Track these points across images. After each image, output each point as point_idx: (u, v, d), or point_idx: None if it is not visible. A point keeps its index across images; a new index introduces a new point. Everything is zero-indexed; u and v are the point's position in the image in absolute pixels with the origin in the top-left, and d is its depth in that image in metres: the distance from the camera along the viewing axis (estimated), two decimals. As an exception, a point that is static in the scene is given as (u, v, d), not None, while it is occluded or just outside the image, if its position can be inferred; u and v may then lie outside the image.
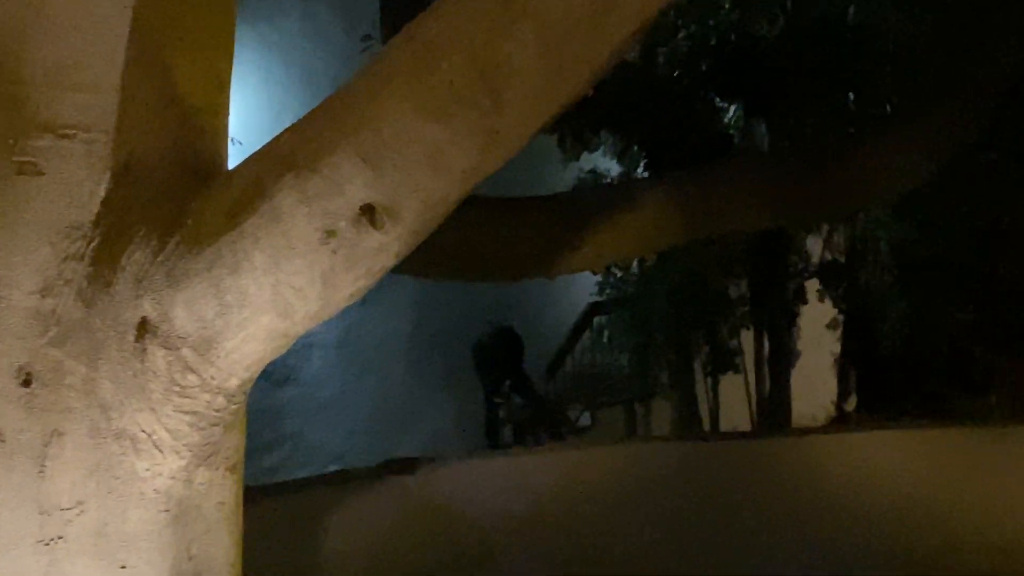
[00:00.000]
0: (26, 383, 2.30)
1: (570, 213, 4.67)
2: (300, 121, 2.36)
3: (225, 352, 2.34)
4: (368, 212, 2.25)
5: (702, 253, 10.45)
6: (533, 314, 13.62)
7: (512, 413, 12.54)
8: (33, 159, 2.29)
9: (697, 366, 11.74)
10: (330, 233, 2.26)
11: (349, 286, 2.34)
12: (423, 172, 2.24)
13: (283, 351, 2.42)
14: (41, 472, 2.31)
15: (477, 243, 4.46)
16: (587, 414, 12.94)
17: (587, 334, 12.96)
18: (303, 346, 12.82)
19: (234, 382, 2.39)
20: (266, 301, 2.30)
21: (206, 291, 2.30)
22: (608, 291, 12.03)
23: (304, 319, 2.36)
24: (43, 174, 2.30)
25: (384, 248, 2.30)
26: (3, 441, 2.29)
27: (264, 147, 2.37)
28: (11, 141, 2.29)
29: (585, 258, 4.71)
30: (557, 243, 4.55)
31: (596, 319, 12.60)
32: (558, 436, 12.11)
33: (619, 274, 11.81)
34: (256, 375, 2.43)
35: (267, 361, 2.41)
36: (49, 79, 2.31)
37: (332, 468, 11.37)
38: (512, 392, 12.25)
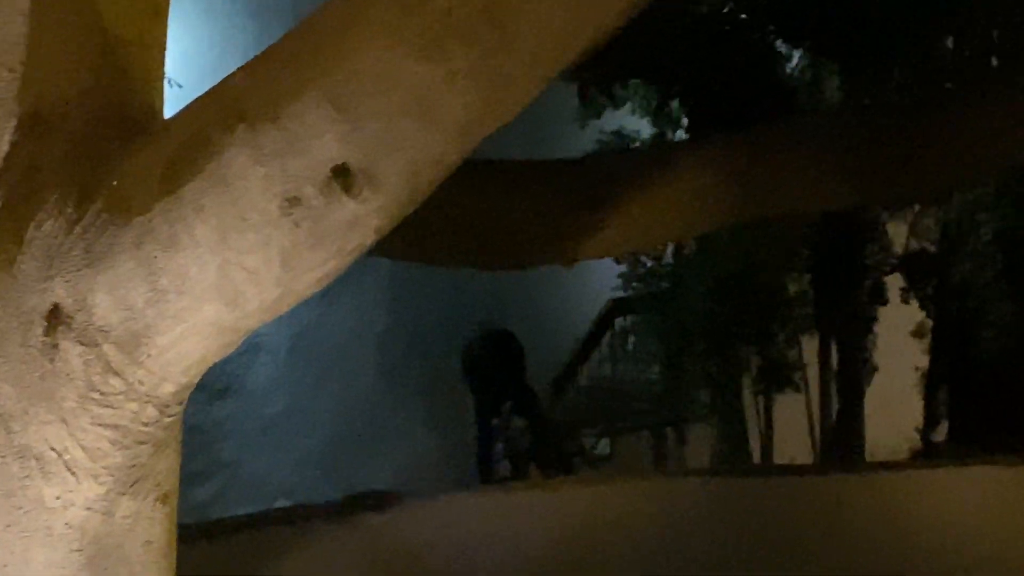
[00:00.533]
0: (-99, 385, 2.32)
1: (591, 183, 4.66)
2: (255, 60, 2.36)
3: (157, 350, 2.34)
4: (340, 175, 2.25)
5: (754, 239, 10.48)
6: (538, 314, 13.62)
7: (510, 438, 12.52)
8: (-82, 104, 2.31)
9: (746, 383, 11.77)
10: (292, 201, 2.26)
11: (315, 269, 2.34)
12: (410, 124, 2.24)
13: (231, 350, 2.43)
14: (-81, 500, 2.33)
15: (475, 219, 4.46)
16: (605, 441, 12.95)
17: (606, 340, 12.99)
18: (246, 348, 12.78)
19: (168, 388, 2.40)
20: (210, 286, 2.31)
21: (134, 272, 2.30)
22: (635, 286, 12.05)
23: (258, 310, 2.36)
24: (-72, 123, 2.31)
25: (360, 221, 2.30)
26: None
27: (209, 91, 2.38)
28: None
29: (609, 241, 4.71)
30: (574, 221, 4.55)
31: (618, 321, 12.64)
32: (568, 468, 12.10)
33: (649, 264, 11.83)
34: (196, 380, 2.44)
35: (210, 363, 2.42)
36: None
37: (279, 504, 11.39)
38: (511, 412, 12.22)
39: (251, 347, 13.01)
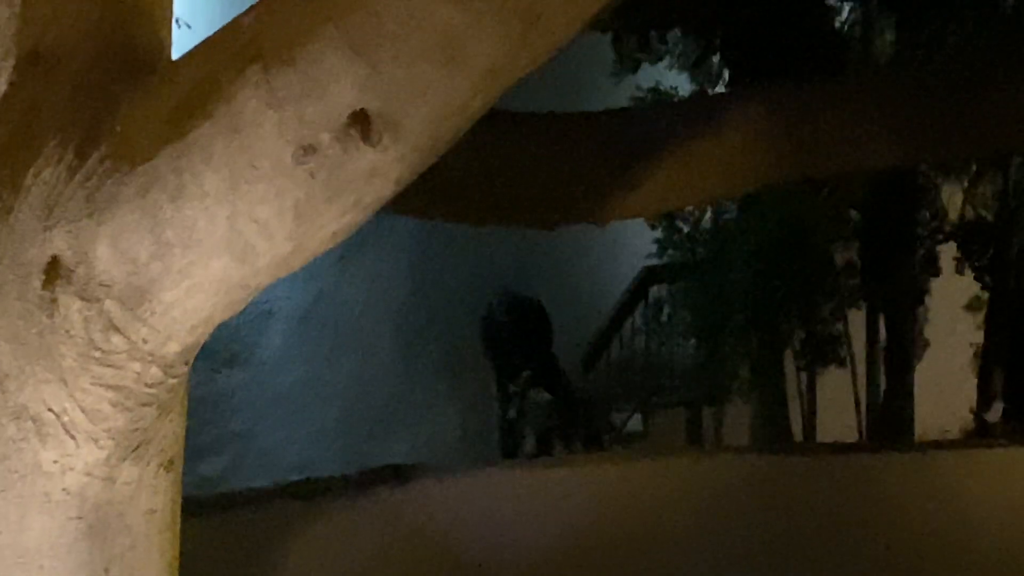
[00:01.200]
0: None
1: (628, 136, 4.64)
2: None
3: (162, 307, 2.34)
4: (360, 121, 2.24)
5: (798, 204, 10.43)
6: (566, 283, 13.60)
7: (535, 413, 12.51)
8: None
9: (788, 357, 11.74)
10: (307, 149, 2.25)
11: (332, 222, 2.33)
12: (435, 68, 2.22)
13: (239, 308, 2.43)
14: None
15: (502, 173, 4.44)
16: (637, 418, 12.94)
17: (639, 311, 12.95)
18: (258, 315, 12.84)
19: (173, 347, 2.39)
20: (219, 239, 2.30)
21: (139, 223, 2.30)
22: (670, 253, 11.98)
23: (269, 266, 2.35)
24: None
25: (380, 171, 2.28)
26: None
27: (220, 31, 2.37)
28: None
29: (646, 198, 4.69)
30: (609, 177, 4.53)
31: (652, 290, 12.60)
32: (596, 445, 12.06)
33: (686, 229, 11.78)
34: (203, 340, 2.44)
35: (218, 322, 2.42)
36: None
37: (293, 479, 11.40)
38: (536, 385, 12.21)
39: (263, 314, 13.04)
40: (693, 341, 12.19)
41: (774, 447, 10.38)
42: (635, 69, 10.60)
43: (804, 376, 11.69)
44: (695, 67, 10.71)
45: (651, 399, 12.89)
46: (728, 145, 4.67)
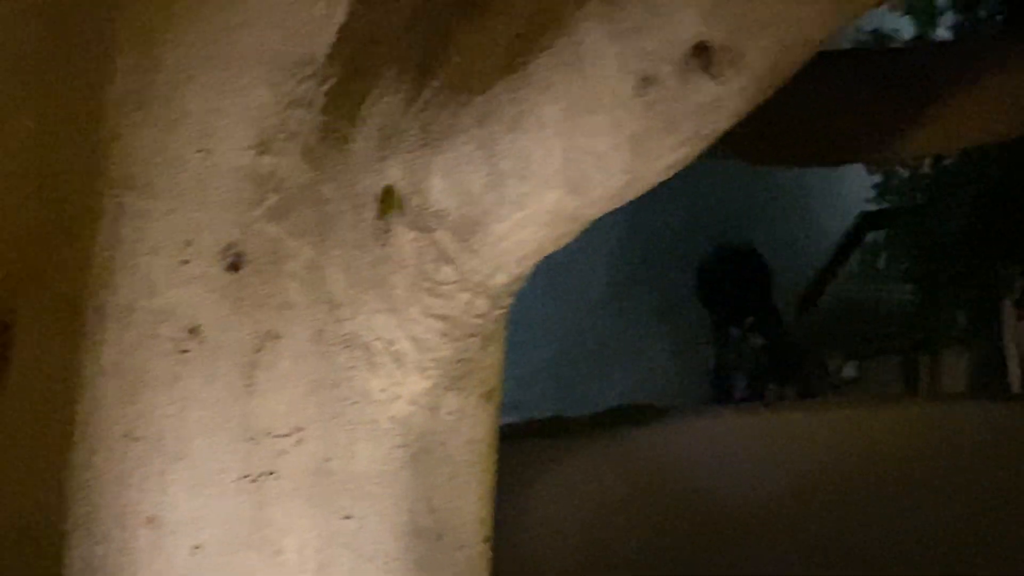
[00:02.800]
0: (234, 267, 2.34)
1: (912, 74, 4.57)
2: None
3: (493, 238, 2.34)
4: (702, 53, 2.22)
5: (1022, 147, 10.21)
6: (781, 228, 13.48)
7: (748, 358, 12.47)
8: (252, -27, 2.32)
9: (1007, 306, 11.56)
10: (647, 80, 2.24)
11: (667, 154, 2.32)
12: (778, 1, 2.20)
13: (567, 240, 2.42)
14: (249, 385, 2.36)
15: (789, 111, 4.40)
16: (853, 364, 12.81)
17: (855, 257, 12.79)
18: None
19: (501, 279, 2.40)
20: (555, 171, 2.30)
21: (474, 154, 2.30)
22: (888, 198, 11.81)
23: (602, 198, 2.35)
24: (259, -11, 2.33)
25: (719, 103, 2.26)
26: (202, 341, 2.34)
27: None
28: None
29: (935, 135, 4.62)
30: (894, 115, 4.47)
31: (869, 236, 12.43)
32: (809, 391, 12.00)
33: (905, 174, 11.59)
34: (529, 272, 2.44)
35: (545, 253, 2.42)
36: None
37: (505, 419, 11.46)
38: (753, 330, 12.16)
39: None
40: (909, 288, 12.01)
41: (992, 394, 10.25)
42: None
43: (1023, 325, 11.49)
44: (920, 11, 10.49)
45: (866, 346, 12.74)
46: (999, 89, 4.57)
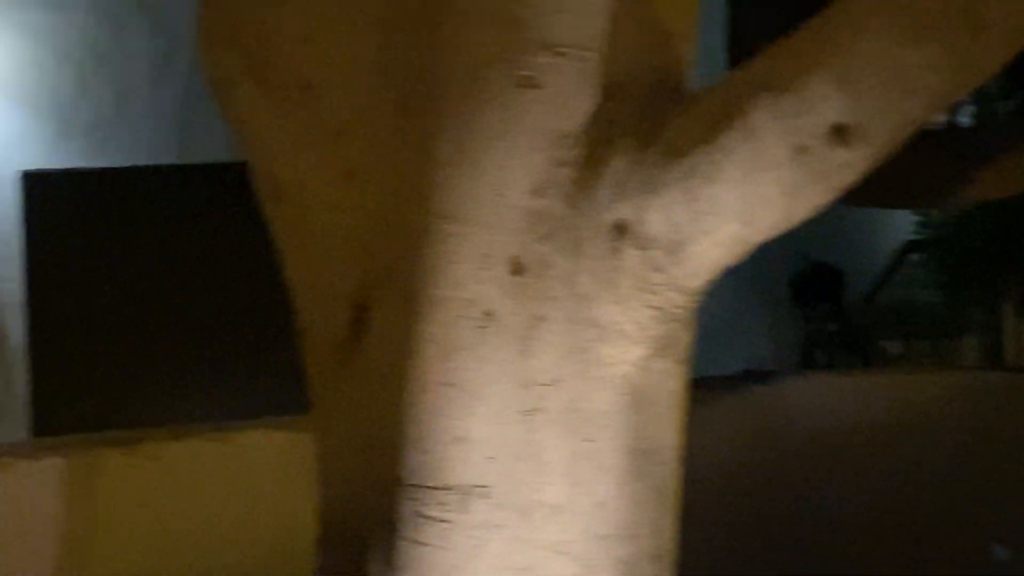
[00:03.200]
0: (517, 272, 2.38)
1: (968, 148, 4.49)
2: (774, 48, 2.34)
3: (692, 255, 2.35)
4: (838, 131, 2.22)
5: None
6: (852, 247, 13.27)
7: (825, 338, 12.37)
8: (531, 73, 2.35)
9: (1007, 306, 11.35)
10: (800, 149, 2.24)
11: (812, 200, 2.32)
12: (895, 95, 2.19)
13: (742, 257, 2.42)
14: (523, 351, 2.39)
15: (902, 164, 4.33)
16: (898, 344, 12.62)
17: (902, 270, 12.62)
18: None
19: (697, 283, 2.41)
20: (734, 210, 2.31)
21: (680, 198, 2.31)
22: (926, 231, 11.71)
23: (765, 228, 2.35)
24: (539, 87, 2.35)
25: (850, 164, 2.26)
26: (494, 320, 2.38)
27: (738, 72, 2.37)
28: (512, 57, 2.35)
29: (972, 192, 4.53)
30: (954, 175, 4.39)
31: (913, 256, 12.24)
32: (868, 362, 11.94)
33: (938, 214, 11.47)
34: (715, 276, 2.44)
35: (727, 265, 2.42)
36: (546, 2, 2.35)
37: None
38: (829, 319, 12.11)
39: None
40: (939, 292, 11.86)
41: (994, 368, 10.08)
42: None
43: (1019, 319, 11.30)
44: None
45: (908, 332, 12.55)
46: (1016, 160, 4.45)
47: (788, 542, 5.54)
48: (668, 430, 2.55)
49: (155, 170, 10.88)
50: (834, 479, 5.82)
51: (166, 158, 11.03)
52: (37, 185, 10.53)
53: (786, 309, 12.68)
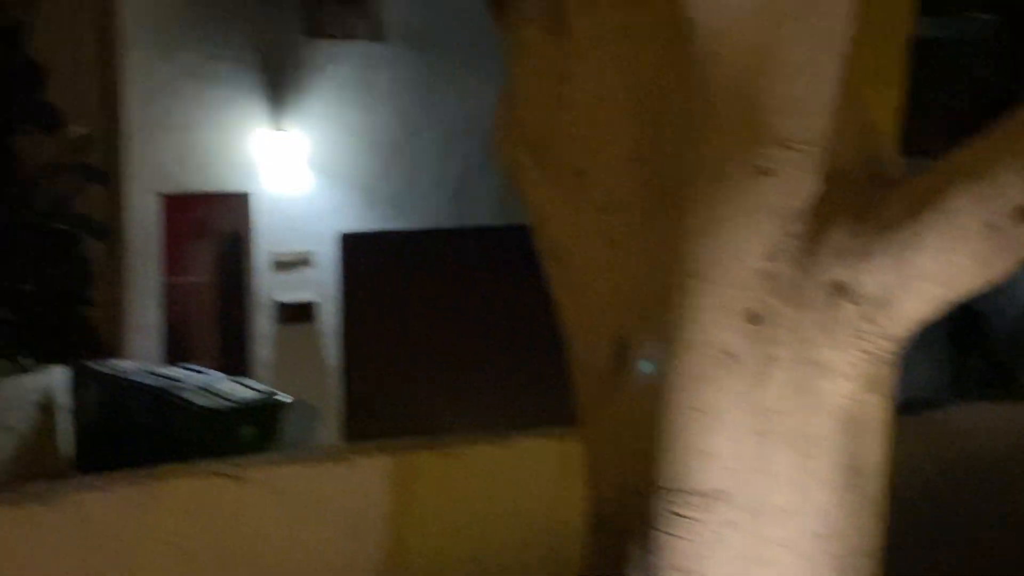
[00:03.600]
0: (752, 321, 2.35)
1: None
2: (972, 140, 2.25)
3: (899, 310, 2.29)
4: (1021, 211, 2.12)
5: None
6: (993, 294, 12.54)
7: (973, 372, 11.72)
8: (768, 164, 2.33)
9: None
10: (991, 226, 2.16)
11: (1000, 267, 2.23)
12: None
13: (940, 313, 2.33)
14: (757, 384, 2.36)
15: None
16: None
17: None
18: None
19: (901, 332, 2.34)
20: (935, 276, 2.23)
21: (890, 265, 2.25)
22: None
23: (961, 290, 2.28)
24: (774, 175, 2.33)
25: None
26: (735, 360, 2.36)
27: (940, 162, 2.29)
28: (752, 150, 2.33)
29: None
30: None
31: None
32: (1011, 394, 11.25)
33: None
34: (918, 328, 2.35)
35: (927, 319, 2.33)
36: (783, 108, 2.33)
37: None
38: (976, 355, 11.51)
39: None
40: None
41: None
42: None
43: None
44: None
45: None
46: None
47: (987, 542, 5.16)
48: (876, 452, 2.46)
49: (442, 231, 11.44)
50: (1009, 491, 5.42)
51: (447, 221, 11.57)
52: (352, 243, 11.21)
53: (940, 346, 12.06)
